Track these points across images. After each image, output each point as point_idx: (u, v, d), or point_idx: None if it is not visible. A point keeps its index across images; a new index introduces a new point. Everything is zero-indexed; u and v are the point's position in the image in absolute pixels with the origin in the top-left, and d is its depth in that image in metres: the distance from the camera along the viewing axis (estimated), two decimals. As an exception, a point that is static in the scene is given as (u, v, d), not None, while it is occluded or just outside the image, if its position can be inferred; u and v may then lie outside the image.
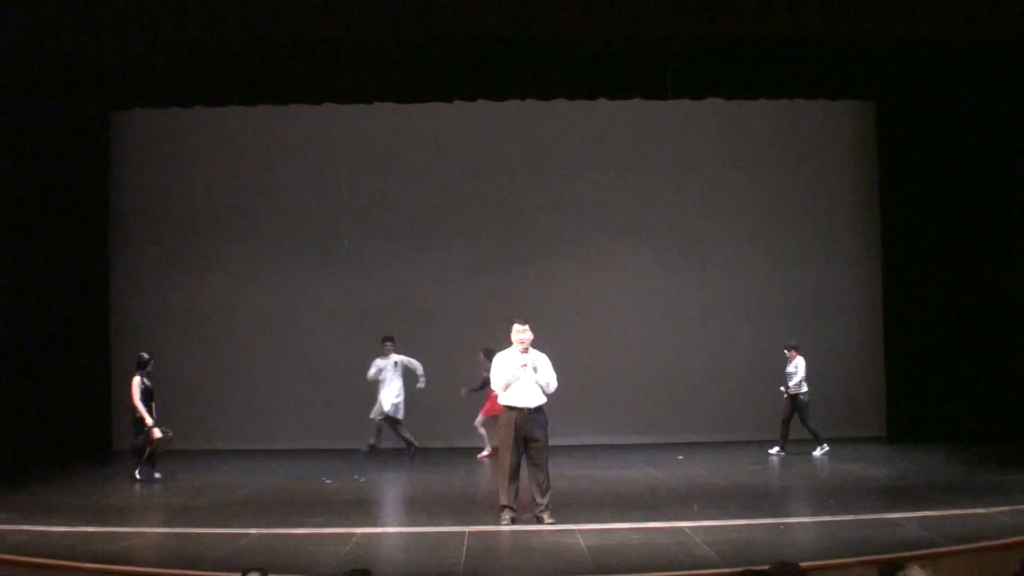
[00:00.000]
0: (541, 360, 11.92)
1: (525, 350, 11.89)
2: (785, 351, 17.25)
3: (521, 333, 11.94)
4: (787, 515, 11.75)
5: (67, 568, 9.88)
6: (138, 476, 15.23)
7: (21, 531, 11.52)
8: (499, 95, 16.81)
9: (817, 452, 17.02)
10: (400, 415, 17.67)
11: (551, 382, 11.88)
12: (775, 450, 17.15)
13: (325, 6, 13.32)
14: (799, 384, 17.13)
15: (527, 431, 11.79)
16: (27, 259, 17.51)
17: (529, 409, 11.79)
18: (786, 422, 17.24)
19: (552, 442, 12.08)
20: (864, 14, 13.32)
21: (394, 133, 19.22)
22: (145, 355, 15.66)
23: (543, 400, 11.88)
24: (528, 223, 19.35)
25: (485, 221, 19.42)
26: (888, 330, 18.87)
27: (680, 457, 16.97)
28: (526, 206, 19.36)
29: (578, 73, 16.08)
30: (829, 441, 17.19)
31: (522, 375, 11.81)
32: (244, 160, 19.46)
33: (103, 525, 11.91)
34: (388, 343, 17.84)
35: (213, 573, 9.52)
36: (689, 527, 11.16)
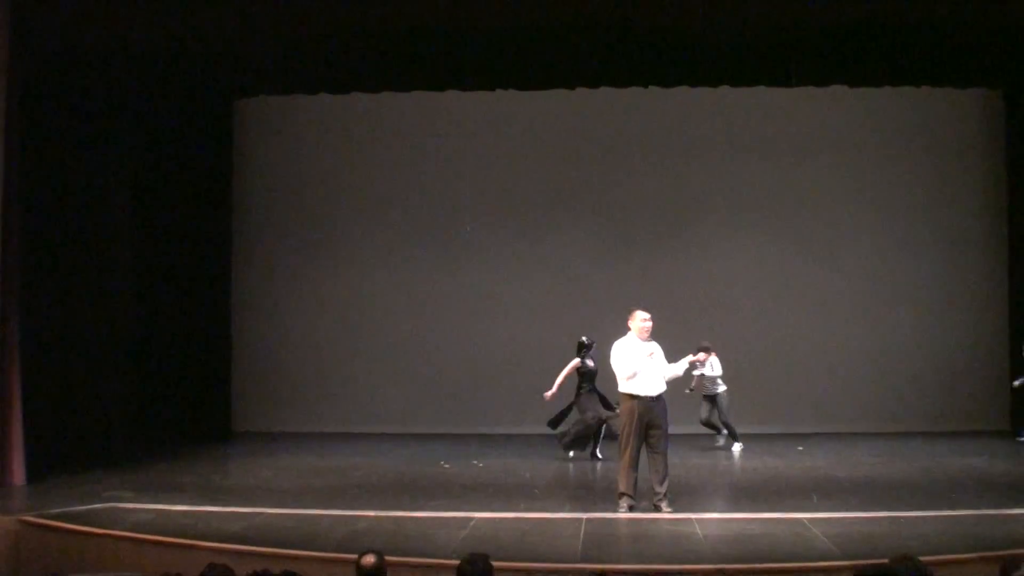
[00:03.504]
0: (657, 349, 11.95)
1: (648, 339, 11.92)
2: (703, 352, 16.57)
3: (647, 322, 11.98)
4: (907, 508, 11.59)
5: (188, 546, 10.09)
6: (599, 456, 15.66)
7: (143, 510, 11.81)
8: (622, 83, 16.82)
9: (736, 448, 16.73)
10: None
11: (668, 372, 11.97)
12: (722, 441, 17.02)
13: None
14: (721, 382, 16.87)
15: (649, 419, 11.78)
16: (151, 245, 17.84)
17: (651, 397, 11.80)
18: (709, 421, 17.01)
19: (671, 430, 12.04)
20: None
21: (516, 121, 19.26)
22: (585, 339, 15.87)
23: (664, 388, 11.89)
24: (648, 212, 19.29)
25: (605, 209, 19.42)
26: (1013, 322, 18.51)
27: (800, 448, 16.86)
28: (647, 195, 19.29)
29: (701, 60, 16.00)
30: (951, 435, 16.97)
31: (646, 364, 11.84)
32: (367, 147, 19.62)
33: (223, 505, 12.15)
34: None
35: (330, 554, 9.68)
36: (808, 518, 11.10)
